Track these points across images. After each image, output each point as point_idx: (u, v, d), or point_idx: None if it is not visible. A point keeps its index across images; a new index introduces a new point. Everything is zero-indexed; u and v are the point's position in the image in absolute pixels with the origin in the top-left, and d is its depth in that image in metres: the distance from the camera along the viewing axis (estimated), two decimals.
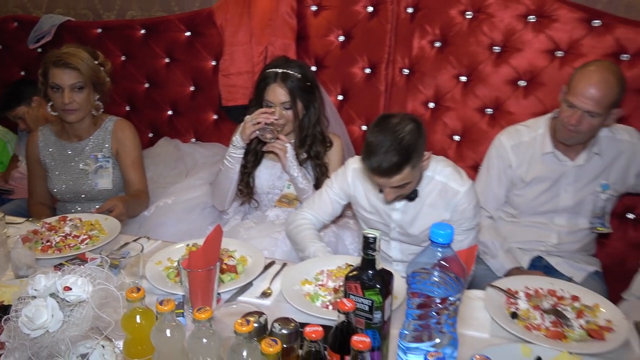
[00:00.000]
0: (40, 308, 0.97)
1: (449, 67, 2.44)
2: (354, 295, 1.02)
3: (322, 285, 1.43)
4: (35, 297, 1.00)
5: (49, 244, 1.61)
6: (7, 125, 3.00)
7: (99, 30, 2.89)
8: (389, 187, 1.58)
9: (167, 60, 2.79)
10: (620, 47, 2.22)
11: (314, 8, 2.51)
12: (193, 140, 2.83)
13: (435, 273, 0.91)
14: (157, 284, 1.41)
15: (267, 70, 2.04)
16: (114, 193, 2.14)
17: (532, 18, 2.29)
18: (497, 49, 2.36)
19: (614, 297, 1.68)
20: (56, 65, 1.94)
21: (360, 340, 0.86)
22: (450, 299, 0.91)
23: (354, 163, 1.83)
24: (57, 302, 0.98)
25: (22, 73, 3.10)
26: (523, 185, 2.03)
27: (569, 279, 1.91)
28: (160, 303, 0.96)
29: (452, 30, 2.39)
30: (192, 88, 2.80)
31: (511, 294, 1.40)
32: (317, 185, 2.07)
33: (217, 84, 2.66)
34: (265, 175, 2.17)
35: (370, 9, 2.44)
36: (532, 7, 2.29)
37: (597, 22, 2.24)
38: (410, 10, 2.41)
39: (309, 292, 1.40)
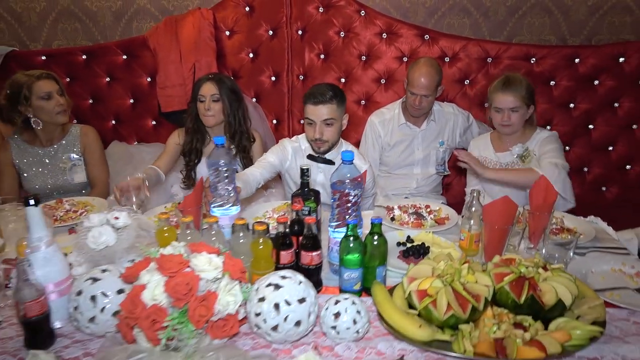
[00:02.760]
0: (101, 231, 1.32)
1: (331, 72, 2.99)
2: (298, 204, 1.49)
3: (269, 217, 1.87)
4: (90, 227, 1.34)
5: (54, 217, 1.88)
6: None
7: (43, 58, 3.03)
8: (320, 120, 1.93)
9: (107, 79, 3.02)
10: (443, 53, 2.92)
11: (227, 33, 2.92)
12: (136, 143, 3.10)
13: (347, 181, 1.40)
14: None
15: (203, 75, 2.35)
16: (87, 185, 2.39)
17: (384, 35, 2.92)
18: (364, 57, 2.96)
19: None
20: (39, 78, 2.19)
21: (309, 218, 1.33)
22: (352, 193, 1.40)
23: (291, 143, 2.15)
24: (110, 227, 1.34)
25: None
26: (389, 148, 2.63)
27: None
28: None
29: (331, 45, 2.95)
30: (131, 100, 3.05)
31: (390, 209, 1.96)
32: None
33: (154, 96, 2.95)
34: (205, 170, 2.42)
35: (270, 32, 2.92)
36: (384, 28, 2.91)
37: (427, 37, 2.92)
38: (300, 32, 2.93)
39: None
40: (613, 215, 1.94)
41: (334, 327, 1.13)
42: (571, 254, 1.50)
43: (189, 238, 1.30)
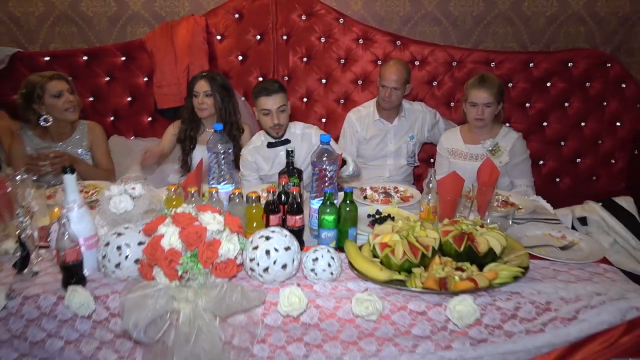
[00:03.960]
0: (120, 199, 1.60)
1: (313, 74, 3.30)
2: (284, 179, 1.78)
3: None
4: (111, 196, 1.62)
5: None
6: None
7: (47, 58, 3.28)
8: (275, 108, 2.30)
9: (107, 79, 3.29)
10: (413, 57, 3.26)
11: (219, 37, 3.22)
12: (133, 137, 3.36)
13: (324, 158, 1.70)
14: None
15: (197, 74, 2.67)
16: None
17: (361, 41, 3.25)
18: (342, 61, 3.28)
19: None
20: (52, 79, 2.44)
21: (294, 188, 1.62)
22: (329, 169, 1.70)
23: (249, 151, 2.49)
24: (128, 196, 1.62)
25: None
26: (365, 142, 2.95)
27: None
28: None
29: (313, 49, 3.27)
30: (129, 98, 3.32)
31: (363, 189, 2.27)
32: (235, 161, 2.56)
33: (150, 94, 3.23)
34: (200, 154, 2.67)
35: (258, 37, 3.22)
36: (360, 34, 3.24)
37: (399, 42, 3.25)
38: (285, 37, 3.24)
39: None
40: (565, 204, 2.28)
41: (312, 270, 1.43)
42: (510, 222, 1.83)
43: (193, 205, 1.58)
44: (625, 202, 2.24)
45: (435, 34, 3.56)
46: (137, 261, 1.42)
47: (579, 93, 3.23)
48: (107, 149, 2.70)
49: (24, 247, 1.46)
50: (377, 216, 1.92)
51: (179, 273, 1.29)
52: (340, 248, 1.64)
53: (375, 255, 1.52)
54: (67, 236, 1.37)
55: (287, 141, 2.45)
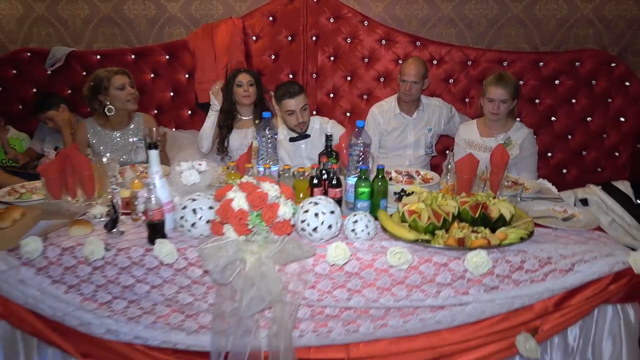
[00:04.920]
0: (190, 173, 1.92)
1: (339, 71, 3.61)
2: (324, 159, 2.08)
3: None
4: (182, 171, 1.94)
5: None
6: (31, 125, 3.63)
7: (98, 57, 3.64)
8: (299, 108, 2.64)
9: (152, 75, 3.63)
10: (432, 57, 3.55)
11: (254, 38, 3.55)
12: (174, 129, 3.70)
13: (359, 141, 2.01)
14: None
15: (237, 69, 3.04)
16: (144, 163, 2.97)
17: (383, 42, 3.55)
18: (366, 60, 3.58)
19: None
20: (117, 73, 2.79)
21: (333, 165, 1.93)
22: (362, 149, 2.00)
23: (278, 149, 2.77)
24: (195, 171, 1.94)
25: (34, 90, 3.69)
26: (387, 133, 3.25)
27: None
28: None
29: (339, 49, 3.58)
30: (171, 94, 3.67)
31: (388, 172, 2.57)
32: None
33: (191, 90, 3.57)
34: (235, 138, 3.03)
35: (289, 38, 3.54)
36: (383, 35, 3.55)
37: (418, 43, 3.55)
38: (314, 38, 3.55)
39: None
40: None
41: (353, 230, 1.73)
42: (518, 199, 2.12)
43: (253, 177, 1.90)
44: (622, 185, 2.51)
45: (451, 35, 3.85)
46: (208, 221, 1.73)
47: (585, 90, 3.50)
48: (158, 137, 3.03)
49: (115, 211, 1.79)
50: (402, 193, 2.22)
51: (249, 227, 1.60)
52: (373, 217, 1.94)
53: (403, 221, 1.82)
54: (153, 199, 1.69)
55: (308, 135, 2.82)
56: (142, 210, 1.75)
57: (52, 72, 3.63)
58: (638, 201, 2.52)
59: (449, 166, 2.17)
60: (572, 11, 3.81)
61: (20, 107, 3.70)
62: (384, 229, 1.81)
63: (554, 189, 2.41)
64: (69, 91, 3.69)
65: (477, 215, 1.78)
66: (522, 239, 1.73)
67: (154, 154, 1.76)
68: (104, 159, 2.07)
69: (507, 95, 2.71)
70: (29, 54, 3.66)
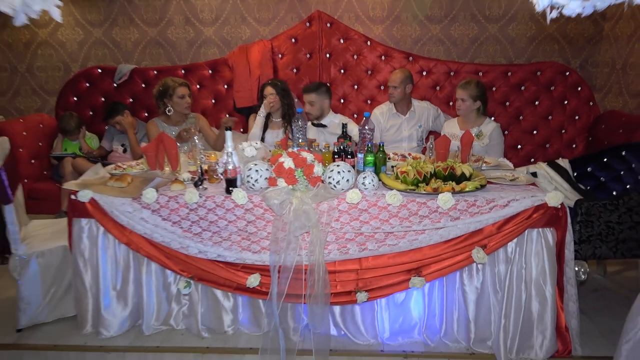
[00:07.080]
0: (250, 149, 2.80)
1: (348, 81, 4.52)
2: (341, 140, 2.95)
3: None
4: (244, 147, 2.82)
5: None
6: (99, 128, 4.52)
7: (155, 72, 4.55)
8: (307, 102, 3.58)
9: (198, 86, 4.55)
10: (421, 69, 4.46)
11: (280, 55, 4.47)
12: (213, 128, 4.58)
13: (366, 127, 2.89)
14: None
15: (265, 82, 3.92)
16: None
17: (383, 57, 4.46)
18: (369, 72, 4.49)
19: None
20: (181, 85, 3.68)
21: (349, 142, 2.81)
22: (369, 132, 2.88)
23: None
24: (253, 147, 2.83)
25: (102, 99, 4.60)
26: (385, 130, 4.12)
27: None
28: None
29: (348, 64, 4.49)
30: (213, 101, 4.58)
31: (387, 154, 3.44)
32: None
33: (229, 97, 4.48)
34: (269, 136, 3.93)
35: (308, 55, 4.46)
36: (382, 52, 4.46)
37: (411, 58, 4.46)
38: (327, 55, 4.47)
39: None
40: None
41: (363, 183, 2.60)
42: (480, 169, 3.00)
43: (296, 150, 2.78)
44: (562, 161, 3.35)
45: (439, 52, 4.77)
46: (265, 179, 2.60)
47: (546, 94, 4.39)
48: (211, 129, 3.92)
49: (202, 173, 2.67)
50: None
51: (297, 177, 2.48)
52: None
53: (397, 178, 2.69)
54: (231, 163, 2.57)
55: (325, 125, 3.72)
56: (221, 171, 2.63)
57: (117, 85, 4.54)
58: (575, 173, 3.37)
59: (431, 146, 3.05)
60: (539, 30, 4.73)
61: (91, 113, 4.60)
62: (384, 184, 2.68)
63: (510, 164, 3.28)
64: (131, 100, 4.59)
65: (446, 173, 2.65)
66: (477, 189, 2.59)
67: (229, 134, 2.65)
68: (196, 139, 2.94)
69: (466, 96, 3.59)
70: (99, 70, 4.57)
